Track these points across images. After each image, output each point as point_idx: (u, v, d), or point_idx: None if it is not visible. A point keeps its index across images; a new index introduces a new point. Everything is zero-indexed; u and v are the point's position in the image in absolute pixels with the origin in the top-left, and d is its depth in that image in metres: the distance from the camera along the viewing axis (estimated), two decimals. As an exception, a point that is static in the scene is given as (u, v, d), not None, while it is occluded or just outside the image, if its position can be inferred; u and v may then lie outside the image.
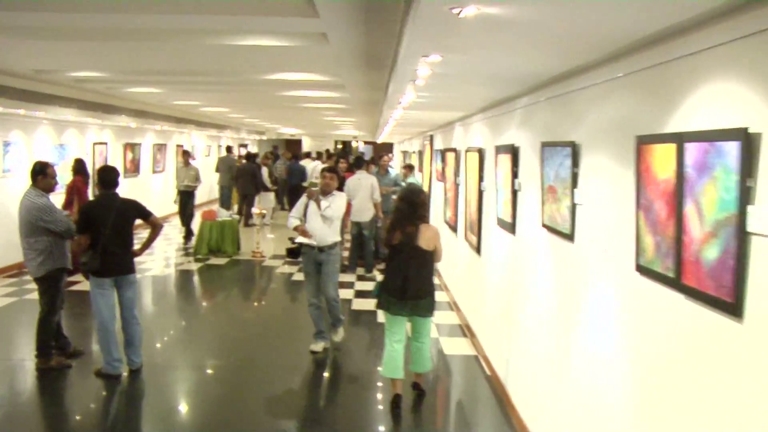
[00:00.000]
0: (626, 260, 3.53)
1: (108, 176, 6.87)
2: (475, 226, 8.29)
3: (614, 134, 3.80)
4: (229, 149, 22.21)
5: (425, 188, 13.68)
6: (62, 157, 13.42)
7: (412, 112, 8.48)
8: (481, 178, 7.90)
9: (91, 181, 11.89)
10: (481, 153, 7.88)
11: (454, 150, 10.09)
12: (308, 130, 32.98)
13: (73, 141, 14.34)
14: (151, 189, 19.22)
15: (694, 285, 2.80)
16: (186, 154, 15.84)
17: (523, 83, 5.08)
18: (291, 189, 20.48)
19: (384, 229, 8.24)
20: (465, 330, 8.84)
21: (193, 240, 14.95)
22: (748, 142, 2.43)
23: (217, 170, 19.83)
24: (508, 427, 5.95)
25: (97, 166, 15.12)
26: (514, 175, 6.11)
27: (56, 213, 6.86)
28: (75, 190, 10.90)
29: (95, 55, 7.87)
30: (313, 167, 19.46)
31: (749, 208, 2.43)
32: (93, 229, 6.60)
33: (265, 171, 18.74)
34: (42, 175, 6.98)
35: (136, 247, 7.03)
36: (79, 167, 11.35)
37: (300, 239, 7.71)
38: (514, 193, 6.12)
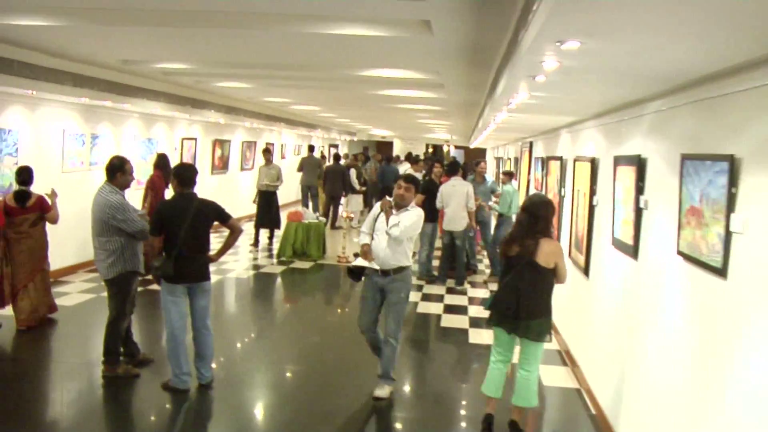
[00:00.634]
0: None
1: (185, 174, 6.31)
2: (582, 243, 7.46)
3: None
4: (311, 148, 21.67)
5: (520, 197, 12.84)
6: (150, 152, 13.17)
7: (517, 115, 7.72)
8: (592, 192, 7.08)
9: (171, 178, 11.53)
10: (593, 163, 7.06)
11: (559, 158, 9.26)
12: (400, 133, 32.45)
13: (162, 135, 14.09)
14: (238, 187, 18.96)
15: None
16: (267, 152, 15.23)
17: (666, 81, 4.26)
18: (383, 191, 19.92)
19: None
20: (565, 357, 8.01)
21: (276, 242, 14.50)
22: None
23: (300, 170, 19.29)
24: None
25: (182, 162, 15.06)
26: (639, 190, 5.28)
27: (130, 212, 6.38)
28: (152, 186, 10.54)
29: (183, 45, 7.43)
30: (403, 171, 18.63)
31: None
32: (167, 231, 6.09)
33: (353, 172, 18.22)
34: (121, 171, 6.53)
35: (213, 252, 6.49)
36: (161, 162, 11.03)
37: (359, 261, 6.45)
38: (638, 211, 5.30)
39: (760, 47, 3.04)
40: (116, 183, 6.47)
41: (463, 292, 11.30)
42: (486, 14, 4.73)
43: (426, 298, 10.84)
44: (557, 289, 5.90)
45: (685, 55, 3.39)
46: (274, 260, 13.43)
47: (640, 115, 5.48)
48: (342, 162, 19.21)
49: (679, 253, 4.32)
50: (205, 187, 15.92)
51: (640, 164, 5.28)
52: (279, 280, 12.02)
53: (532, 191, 12.81)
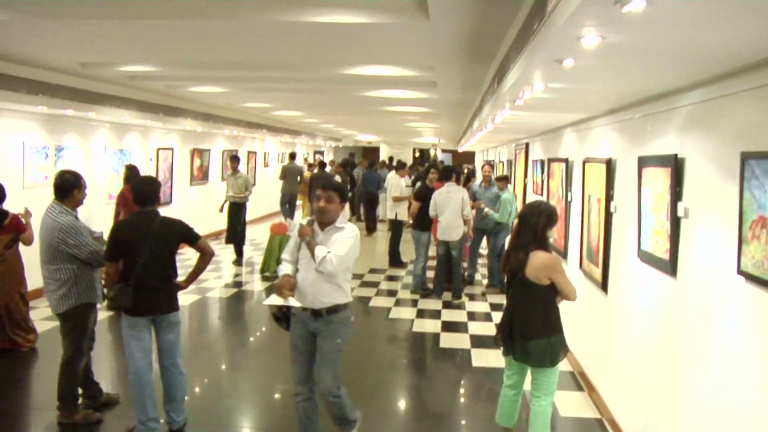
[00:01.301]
0: None
1: (145, 189, 5.40)
2: (597, 255, 6.68)
3: None
4: (293, 156, 20.93)
5: (517, 203, 12.05)
6: (123, 164, 12.30)
7: (521, 114, 6.93)
8: (609, 197, 6.30)
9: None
10: (610, 165, 6.28)
11: (564, 160, 8.48)
12: (386, 137, 31.66)
13: (135, 146, 13.23)
14: (220, 198, 18.04)
15: None
16: (234, 160, 14.17)
17: (724, 62, 3.46)
18: (368, 198, 19.19)
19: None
20: (579, 380, 7.22)
21: (255, 259, 13.62)
22: None
23: (282, 178, 18.87)
24: None
25: (162, 173, 14.21)
26: (676, 196, 4.50)
27: (83, 235, 5.50)
28: (123, 201, 9.70)
29: (146, 43, 6.61)
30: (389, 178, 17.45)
31: None
32: (125, 257, 5.24)
33: (338, 180, 17.36)
34: (77, 188, 5.69)
35: (181, 278, 5.65)
36: (131, 175, 10.16)
37: (272, 299, 5.06)
38: (675, 221, 4.51)
39: None
40: (69, 202, 5.63)
41: (461, 306, 10.50)
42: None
43: (421, 314, 10.04)
44: (566, 303, 5.17)
45: (759, 29, 2.63)
46: (257, 275, 12.59)
47: (672, 108, 4.70)
48: (328, 169, 18.43)
49: (741, 272, 3.54)
50: (185, 199, 15.11)
51: (676, 165, 4.49)
52: (263, 297, 11.18)
53: (531, 196, 12.04)
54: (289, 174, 18.82)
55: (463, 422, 6.42)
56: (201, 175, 16.73)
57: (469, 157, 33.73)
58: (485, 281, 11.99)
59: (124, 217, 9.47)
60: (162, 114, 11.65)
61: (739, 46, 2.98)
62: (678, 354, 4.51)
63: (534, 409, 5.16)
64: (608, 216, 6.32)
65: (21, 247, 7.52)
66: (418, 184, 12.82)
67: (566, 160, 8.39)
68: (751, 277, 3.45)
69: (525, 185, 12.66)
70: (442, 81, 8.34)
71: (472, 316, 9.97)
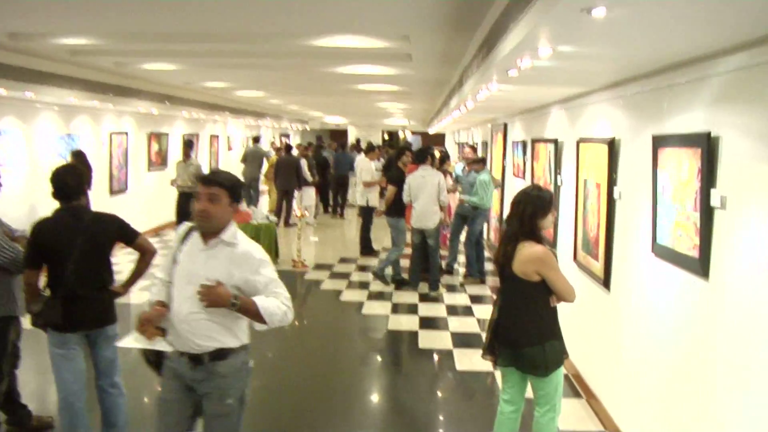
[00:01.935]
0: None
1: (67, 182, 4.48)
2: (596, 247, 5.95)
3: None
4: (256, 139, 20.25)
5: (495, 186, 11.30)
6: (71, 150, 11.35)
7: (509, 88, 6.15)
8: (612, 181, 5.56)
9: (92, 179, 9.77)
10: (613, 146, 5.54)
11: (552, 141, 7.73)
12: (354, 119, 30.75)
13: (86, 130, 12.23)
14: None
15: None
16: (188, 146, 13.01)
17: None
18: (338, 181, 18.42)
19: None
20: (576, 384, 6.51)
21: None
22: None
23: (243, 161, 18.57)
24: None
25: (115, 159, 13.26)
26: (708, 182, 3.76)
27: (-1, 235, 4.65)
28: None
29: (85, 10, 5.71)
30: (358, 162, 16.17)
31: None
32: (49, 263, 4.39)
33: (304, 163, 16.59)
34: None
35: (119, 283, 4.80)
36: (78, 162, 9.31)
37: (132, 339, 3.63)
38: (708, 212, 3.78)
39: None
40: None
41: (439, 299, 9.76)
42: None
43: (396, 309, 9.28)
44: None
45: None
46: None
47: (702, 77, 3.95)
48: (294, 152, 17.58)
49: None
50: (141, 187, 14.16)
51: (709, 146, 3.75)
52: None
53: (510, 180, 11.32)
54: (251, 158, 18.47)
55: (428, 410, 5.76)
56: (159, 161, 15.74)
57: (440, 139, 32.96)
58: (463, 270, 11.25)
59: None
60: (112, 95, 10.69)
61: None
62: (711, 367, 3.79)
63: (536, 421, 4.48)
64: (611, 203, 5.59)
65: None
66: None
67: (555, 141, 7.65)
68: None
69: (504, 168, 11.93)
70: (418, 53, 7.53)
71: (451, 310, 9.23)
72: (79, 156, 9.41)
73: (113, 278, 4.70)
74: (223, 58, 8.77)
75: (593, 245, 6.05)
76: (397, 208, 10.45)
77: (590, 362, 6.30)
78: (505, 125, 11.90)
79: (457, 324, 8.55)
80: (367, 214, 13.20)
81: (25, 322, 4.69)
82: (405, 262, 10.75)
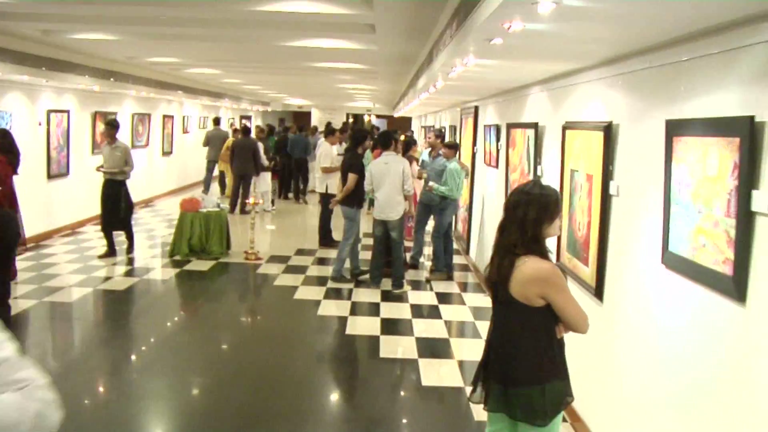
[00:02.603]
0: None
1: None
2: (586, 249, 5.14)
3: None
4: (217, 121, 19.44)
5: (466, 175, 10.45)
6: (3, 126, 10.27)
7: (487, 63, 5.30)
8: (607, 174, 4.74)
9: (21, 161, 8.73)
10: (609, 132, 4.71)
11: (532, 125, 6.91)
12: (318, 102, 29.77)
13: (19, 107, 11.09)
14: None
15: None
16: (111, 126, 10.75)
17: None
18: (296, 164, 17.51)
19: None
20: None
21: (145, 250, 11.62)
22: None
23: (206, 144, 18.24)
24: None
25: (54, 140, 12.17)
26: (748, 182, 2.94)
27: None
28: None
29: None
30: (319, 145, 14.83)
31: None
32: None
33: (260, 147, 15.67)
34: None
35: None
36: (4, 143, 8.27)
37: None
38: (748, 217, 2.96)
39: None
40: None
41: (403, 297, 8.91)
42: None
43: (356, 309, 8.41)
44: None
45: None
46: (165, 260, 10.76)
47: (737, 48, 3.12)
48: (253, 135, 16.63)
49: None
50: (85, 170, 13.06)
51: (752, 134, 2.92)
52: (170, 287, 9.39)
53: (481, 168, 10.49)
54: (213, 140, 17.96)
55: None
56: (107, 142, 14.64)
57: (406, 123, 32.10)
58: (429, 264, 10.41)
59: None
60: (45, 68, 9.66)
61: None
62: (741, 415, 2.99)
63: None
64: (606, 199, 4.76)
65: None
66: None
67: (535, 126, 6.82)
68: None
69: (474, 154, 11.10)
70: (382, 24, 6.64)
71: (417, 311, 8.38)
72: (5, 136, 8.37)
73: (9, 291, 3.75)
74: (164, 26, 7.82)
75: (582, 247, 5.24)
76: (357, 199, 9.56)
77: (576, 381, 5.49)
78: (476, 108, 11.06)
79: (423, 327, 7.71)
80: (326, 202, 12.27)
81: None
82: (366, 255, 9.91)
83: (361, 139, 9.91)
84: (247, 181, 15.42)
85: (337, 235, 12.25)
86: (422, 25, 6.41)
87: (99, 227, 11.00)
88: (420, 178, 10.41)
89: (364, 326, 7.75)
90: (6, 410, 1.70)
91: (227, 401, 5.67)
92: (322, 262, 10.95)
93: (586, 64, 5.18)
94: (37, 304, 7.89)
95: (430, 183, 9.86)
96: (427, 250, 10.81)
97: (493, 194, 9.35)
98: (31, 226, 10.40)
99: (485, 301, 8.81)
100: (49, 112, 12.06)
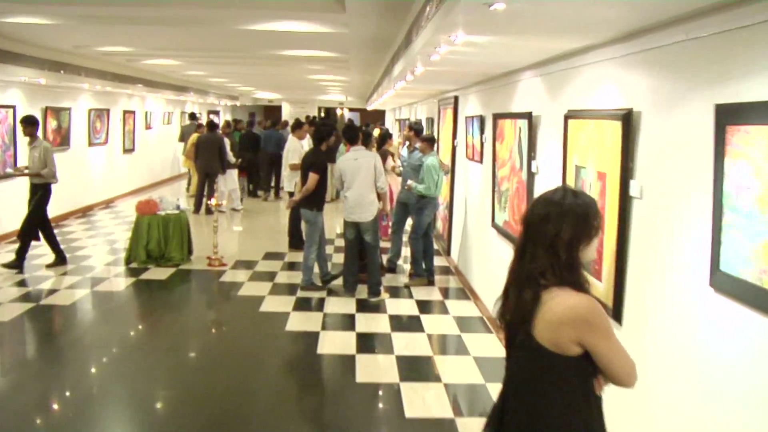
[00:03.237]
0: None
1: None
2: (598, 261, 4.34)
3: None
4: (192, 116, 18.91)
5: (445, 172, 9.63)
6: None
7: (476, 40, 4.48)
8: (626, 172, 3.93)
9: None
10: (629, 121, 3.89)
11: (525, 115, 6.09)
12: (288, 95, 28.81)
13: (-45, 102, 10.14)
14: (87, 166, 15.15)
15: None
16: (29, 124, 9.56)
17: None
18: (269, 160, 16.56)
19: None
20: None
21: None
22: None
23: (182, 140, 18.27)
24: None
25: (-4, 138, 11.17)
26: None
27: None
28: None
29: None
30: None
31: None
32: None
33: (227, 143, 14.81)
34: None
35: None
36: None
37: None
38: None
39: None
40: None
41: (380, 307, 8.08)
42: None
43: (327, 323, 7.55)
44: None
45: None
46: (120, 268, 9.83)
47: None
48: (219, 131, 15.74)
49: None
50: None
51: None
52: (121, 301, 8.46)
53: (463, 163, 9.67)
54: (188, 135, 17.06)
55: None
56: (59, 140, 13.59)
57: (379, 116, 31.22)
58: (408, 267, 9.58)
59: None
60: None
61: None
62: None
63: None
64: (624, 202, 3.96)
65: None
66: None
67: (528, 116, 6.01)
68: None
69: (454, 148, 10.28)
70: (352, 3, 5.79)
71: (396, 323, 7.55)
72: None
73: None
74: (111, 6, 6.87)
75: (595, 260, 4.43)
76: (317, 200, 8.67)
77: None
78: (456, 99, 10.23)
79: (404, 343, 6.88)
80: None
81: None
82: (338, 258, 9.07)
83: (325, 134, 8.91)
84: (213, 179, 14.56)
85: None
86: (397, 6, 5.57)
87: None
88: (393, 170, 9.60)
89: (337, 343, 6.89)
90: None
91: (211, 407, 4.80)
92: (291, 267, 10.08)
93: (596, 41, 4.35)
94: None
95: (409, 182, 9.03)
96: (406, 252, 9.98)
97: (477, 191, 8.54)
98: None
99: (470, 309, 8.04)
100: (-8, 107, 11.07)
